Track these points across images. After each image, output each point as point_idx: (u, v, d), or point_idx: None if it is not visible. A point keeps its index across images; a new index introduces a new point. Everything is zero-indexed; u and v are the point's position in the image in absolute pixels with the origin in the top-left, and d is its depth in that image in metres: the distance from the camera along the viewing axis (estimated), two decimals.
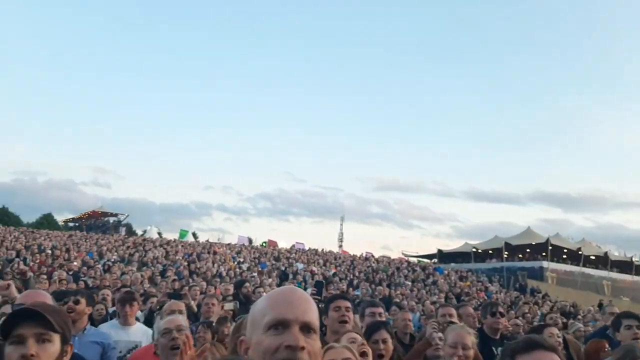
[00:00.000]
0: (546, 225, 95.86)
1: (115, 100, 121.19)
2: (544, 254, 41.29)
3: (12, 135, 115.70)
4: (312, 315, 1.34)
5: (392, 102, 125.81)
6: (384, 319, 4.61)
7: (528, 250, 43.72)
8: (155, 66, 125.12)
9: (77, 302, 3.99)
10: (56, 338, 1.79)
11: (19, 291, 3.84)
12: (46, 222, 60.82)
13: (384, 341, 3.74)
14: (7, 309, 3.85)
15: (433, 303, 13.16)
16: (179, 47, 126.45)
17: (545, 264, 40.44)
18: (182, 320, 3.16)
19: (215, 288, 12.24)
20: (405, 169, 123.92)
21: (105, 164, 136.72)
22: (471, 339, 3.58)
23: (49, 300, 2.54)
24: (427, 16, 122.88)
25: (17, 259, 16.39)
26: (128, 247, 26.48)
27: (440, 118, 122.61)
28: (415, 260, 42.05)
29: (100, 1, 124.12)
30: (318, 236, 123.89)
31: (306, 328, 1.30)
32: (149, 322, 5.80)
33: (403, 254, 45.62)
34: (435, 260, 45.50)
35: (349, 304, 4.05)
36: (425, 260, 45.28)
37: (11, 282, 3.57)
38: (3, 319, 1.81)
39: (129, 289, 8.51)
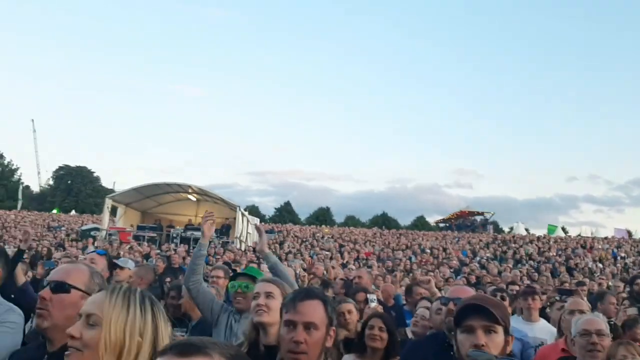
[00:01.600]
0: None
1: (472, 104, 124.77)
2: None
3: (384, 147, 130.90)
4: None
5: None
6: None
7: None
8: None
9: (503, 299, 4.31)
10: (500, 330, 2.00)
11: None
12: (420, 223, 66.56)
13: None
14: (425, 303, 4.42)
15: None
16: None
17: None
18: (603, 323, 3.10)
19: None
20: None
21: (464, 165, 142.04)
22: None
23: (470, 292, 2.84)
24: None
25: (403, 258, 18.47)
26: (498, 244, 26.80)
27: None
28: None
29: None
30: None
31: None
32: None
33: None
34: None
35: None
36: None
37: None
38: (456, 310, 2.13)
39: (529, 283, 8.67)
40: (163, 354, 1.09)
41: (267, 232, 27.98)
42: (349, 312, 4.18)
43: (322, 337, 2.03)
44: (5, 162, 64.98)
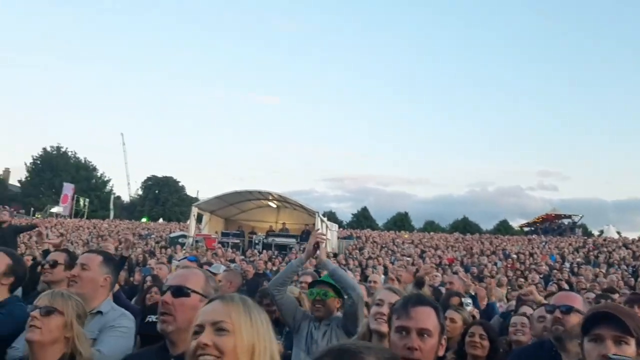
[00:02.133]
0: None
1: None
2: None
3: (462, 150, 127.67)
4: None
5: None
6: None
7: None
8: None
9: None
10: (632, 342, 1.89)
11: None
12: (502, 228, 64.20)
13: None
14: (526, 309, 4.29)
15: None
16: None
17: None
18: None
19: None
20: None
21: (548, 166, 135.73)
22: None
23: (578, 299, 2.73)
24: None
25: (488, 264, 17.90)
26: (589, 249, 25.45)
27: None
28: None
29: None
30: None
31: None
32: None
33: None
34: None
35: None
36: None
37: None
38: (585, 318, 2.04)
39: (629, 290, 8.26)
40: None
41: (345, 238, 28.18)
42: (452, 320, 4.03)
43: (436, 345, 1.94)
44: (98, 174, 69.17)
